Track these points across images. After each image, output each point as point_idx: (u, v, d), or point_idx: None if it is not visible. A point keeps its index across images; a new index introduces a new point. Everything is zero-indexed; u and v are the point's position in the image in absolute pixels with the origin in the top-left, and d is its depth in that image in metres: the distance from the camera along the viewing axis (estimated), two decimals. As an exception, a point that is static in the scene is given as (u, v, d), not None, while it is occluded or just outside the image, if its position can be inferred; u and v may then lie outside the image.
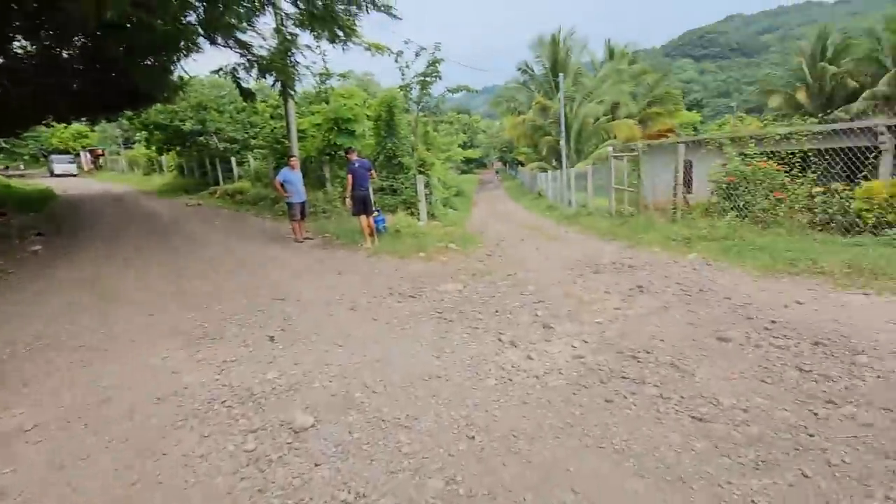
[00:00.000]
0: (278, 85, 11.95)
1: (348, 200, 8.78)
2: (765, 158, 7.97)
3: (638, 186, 10.65)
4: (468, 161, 51.95)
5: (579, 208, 14.92)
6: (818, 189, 7.21)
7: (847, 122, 11.31)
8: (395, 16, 9.66)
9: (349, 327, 4.44)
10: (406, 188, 12.63)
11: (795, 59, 33.88)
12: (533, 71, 32.78)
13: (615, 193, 12.10)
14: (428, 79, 11.60)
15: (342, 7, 9.39)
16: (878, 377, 2.95)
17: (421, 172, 12.66)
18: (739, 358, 3.37)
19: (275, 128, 15.76)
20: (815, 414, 2.61)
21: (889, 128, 7.37)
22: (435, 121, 18.86)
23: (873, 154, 7.06)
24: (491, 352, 3.75)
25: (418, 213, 11.56)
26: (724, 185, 8.24)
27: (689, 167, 11.49)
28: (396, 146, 12.91)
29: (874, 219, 6.10)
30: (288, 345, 4.06)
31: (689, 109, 42.97)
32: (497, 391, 3.11)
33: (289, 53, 11.19)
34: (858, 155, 7.19)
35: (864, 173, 6.80)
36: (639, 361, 3.41)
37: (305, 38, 11.04)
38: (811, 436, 2.42)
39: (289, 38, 10.92)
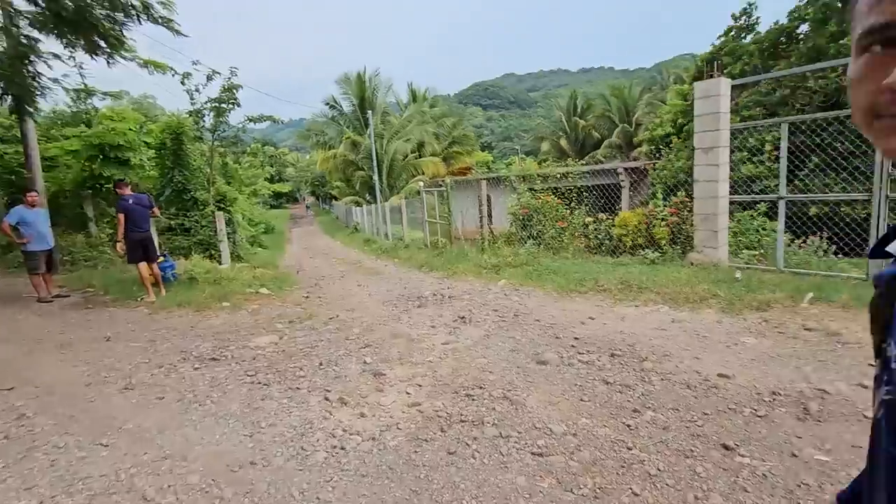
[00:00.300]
0: (10, 100, 9.20)
1: (121, 245, 7.09)
2: (549, 193, 9.29)
3: (448, 219, 11.31)
4: (278, 195, 49.15)
5: (396, 241, 15.18)
6: (589, 219, 8.69)
7: (599, 164, 14.12)
8: (178, 31, 8.42)
9: (121, 415, 3.36)
10: (202, 227, 10.97)
11: (556, 114, 41.78)
12: (341, 106, 33.02)
13: (429, 226, 12.65)
14: (224, 105, 10.42)
15: (103, 12, 7.74)
16: (662, 379, 3.44)
17: (220, 208, 11.19)
18: (559, 379, 3.58)
19: (5, 154, 12.12)
20: (628, 426, 2.86)
21: (625, 169, 9.39)
22: (235, 152, 17.16)
23: (619, 190, 8.87)
24: (318, 416, 3.23)
25: (219, 255, 10.11)
26: (520, 217, 9.29)
27: (489, 201, 12.76)
28: (188, 179, 11.18)
29: (630, 242, 7.57)
30: (16, 459, 2.82)
31: (482, 150, 48.88)
32: (329, 467, 2.63)
33: (26, 61, 8.74)
34: (612, 190, 8.93)
35: (620, 205, 8.46)
36: (474, 399, 3.34)
37: (55, 45, 8.75)
38: (630, 449, 2.61)
39: (25, 42, 8.54)
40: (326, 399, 3.49)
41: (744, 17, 14.14)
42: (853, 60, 0.52)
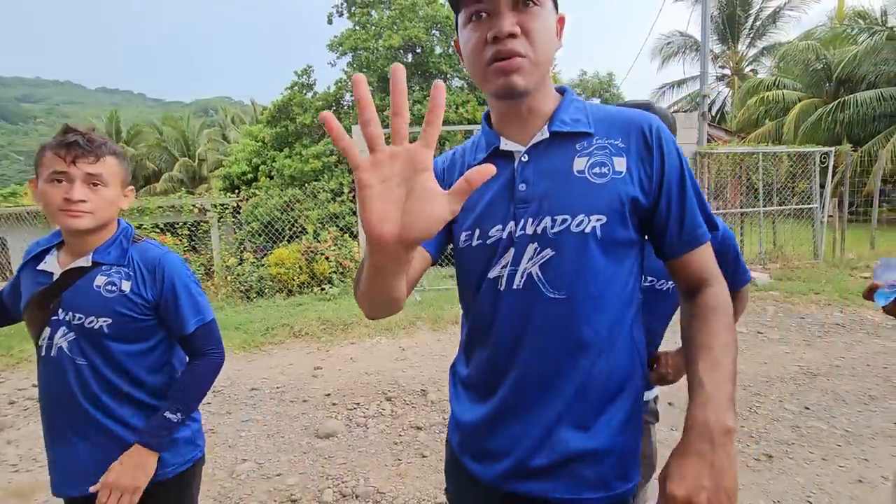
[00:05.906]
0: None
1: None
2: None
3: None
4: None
5: None
6: (233, 259, 7.59)
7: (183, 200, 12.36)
8: None
9: None
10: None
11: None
12: None
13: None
14: None
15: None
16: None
17: None
18: (368, 444, 3.03)
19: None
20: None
21: (213, 206, 8.69)
22: None
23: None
24: None
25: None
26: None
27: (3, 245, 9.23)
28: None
29: (296, 280, 7.13)
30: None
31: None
32: None
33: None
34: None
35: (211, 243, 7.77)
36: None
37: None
38: None
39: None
40: None
41: (304, 76, 15.99)
42: (461, 34, 0.73)
